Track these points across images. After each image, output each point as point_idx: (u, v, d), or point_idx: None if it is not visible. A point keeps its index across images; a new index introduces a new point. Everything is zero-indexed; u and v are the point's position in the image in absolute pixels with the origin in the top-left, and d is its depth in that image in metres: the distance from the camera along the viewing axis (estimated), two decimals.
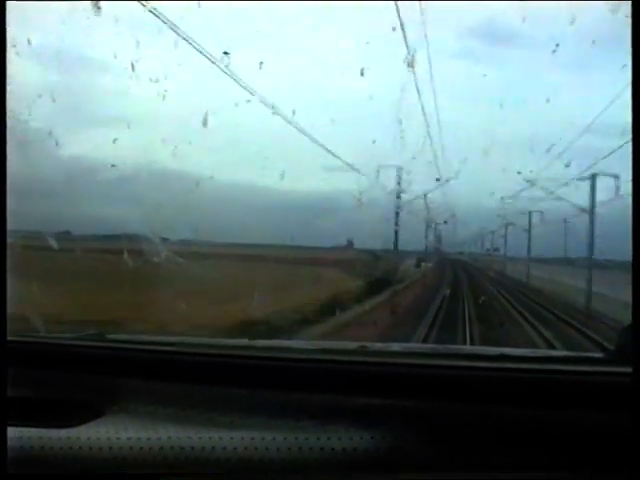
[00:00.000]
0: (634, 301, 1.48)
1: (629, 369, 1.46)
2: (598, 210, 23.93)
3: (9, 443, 1.60)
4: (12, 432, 1.64)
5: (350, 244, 22.89)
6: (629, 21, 1.53)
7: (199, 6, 6.44)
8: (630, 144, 1.52)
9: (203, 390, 1.74)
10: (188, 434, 1.63)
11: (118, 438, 1.65)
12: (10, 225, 1.69)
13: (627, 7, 1.58)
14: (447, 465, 1.53)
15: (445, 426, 1.56)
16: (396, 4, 8.68)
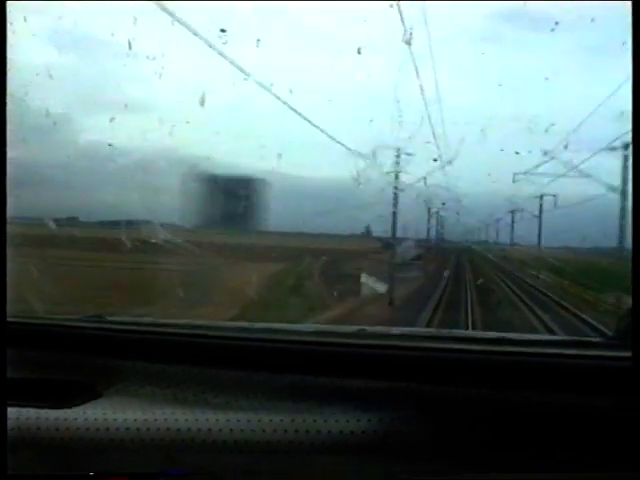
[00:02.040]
0: (634, 288, 1.48)
1: (629, 353, 1.46)
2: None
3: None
4: (10, 412, 1.65)
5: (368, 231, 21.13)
6: (629, 21, 1.52)
7: None
8: (630, 144, 1.51)
9: (200, 372, 1.75)
10: (185, 415, 1.63)
11: (115, 419, 1.66)
12: (14, 212, 1.69)
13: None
14: (444, 449, 1.53)
15: (443, 409, 1.56)
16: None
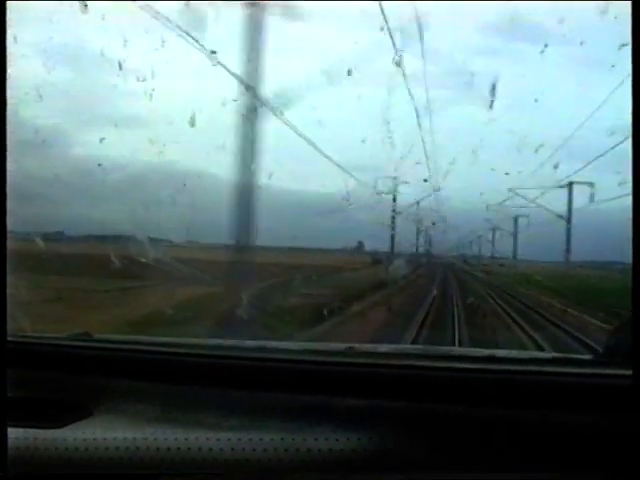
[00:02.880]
0: (633, 306, 1.48)
1: (619, 371, 1.46)
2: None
3: None
4: None
5: (361, 246, 21.51)
6: (629, 21, 1.53)
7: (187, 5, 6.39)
8: (630, 143, 1.52)
9: (190, 390, 1.74)
10: (175, 435, 1.62)
11: (105, 438, 1.64)
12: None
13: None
14: (434, 467, 1.53)
15: (433, 428, 1.55)
16: (380, 3, 8.67)
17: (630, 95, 1.51)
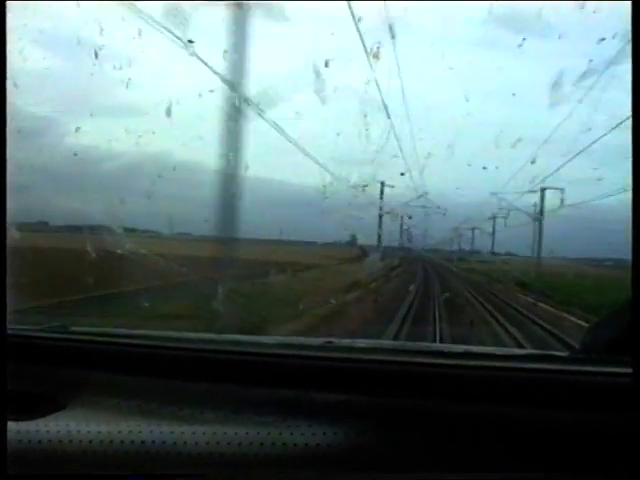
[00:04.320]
0: (633, 304, 1.49)
1: (629, 370, 1.45)
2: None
3: None
4: None
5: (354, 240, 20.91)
6: (629, 21, 1.53)
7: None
8: (630, 142, 1.53)
9: (166, 383, 1.73)
10: (150, 428, 1.61)
11: (78, 431, 1.63)
12: None
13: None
14: (409, 463, 1.53)
15: (410, 424, 1.55)
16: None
17: (630, 95, 1.51)
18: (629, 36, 1.54)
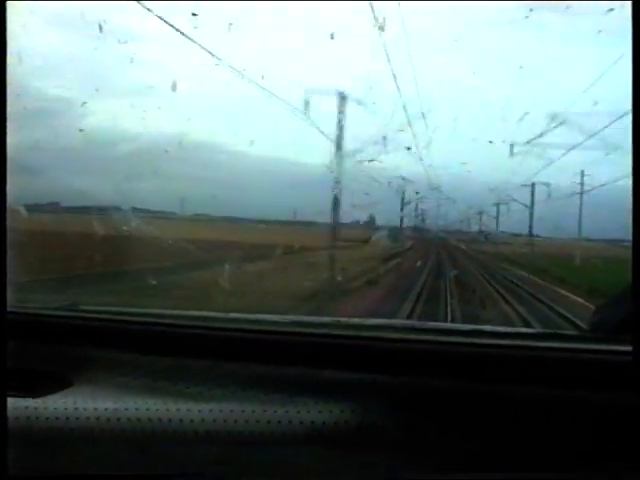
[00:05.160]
0: (634, 283, 1.48)
1: (603, 346, 1.47)
2: None
3: None
4: None
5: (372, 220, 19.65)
6: (629, 21, 1.51)
7: None
8: (630, 143, 1.51)
9: (173, 361, 1.73)
10: (157, 405, 1.62)
11: (85, 409, 1.64)
12: None
13: None
14: (416, 441, 1.53)
15: (417, 402, 1.55)
16: None
17: (630, 95, 1.49)
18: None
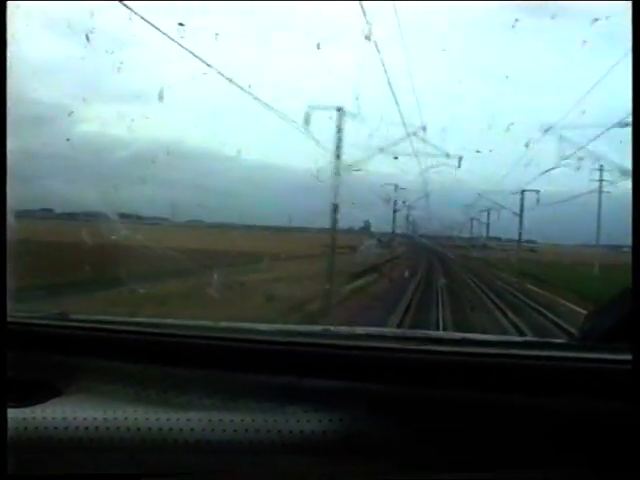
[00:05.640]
0: (634, 290, 1.48)
1: (629, 357, 1.44)
2: None
3: None
4: None
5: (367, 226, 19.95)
6: (629, 21, 1.52)
7: None
8: (630, 143, 1.52)
9: (162, 370, 1.72)
10: (147, 415, 1.61)
11: (75, 418, 1.63)
12: None
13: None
14: (405, 451, 1.53)
15: (406, 411, 1.55)
16: None
17: (630, 95, 1.50)
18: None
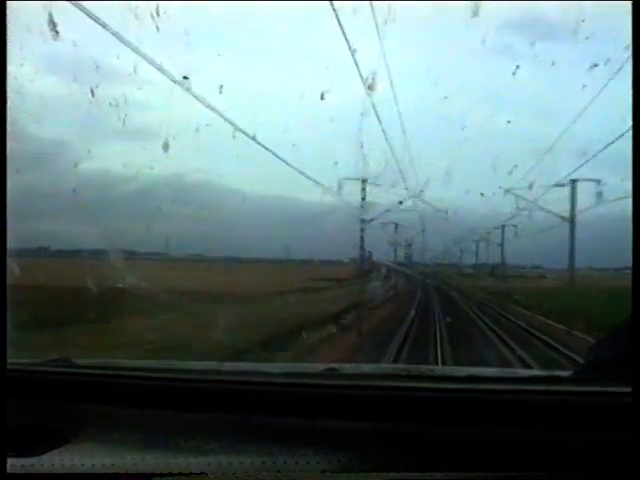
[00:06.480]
0: (632, 324, 1.48)
1: (629, 389, 1.44)
2: None
3: None
4: None
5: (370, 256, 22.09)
6: (629, 21, 1.54)
7: (158, 30, 6.44)
8: (630, 143, 1.52)
9: (170, 415, 1.71)
10: (156, 460, 1.59)
11: (83, 465, 1.61)
12: None
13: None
14: None
15: (415, 449, 1.54)
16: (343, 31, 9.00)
17: (630, 95, 1.51)
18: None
